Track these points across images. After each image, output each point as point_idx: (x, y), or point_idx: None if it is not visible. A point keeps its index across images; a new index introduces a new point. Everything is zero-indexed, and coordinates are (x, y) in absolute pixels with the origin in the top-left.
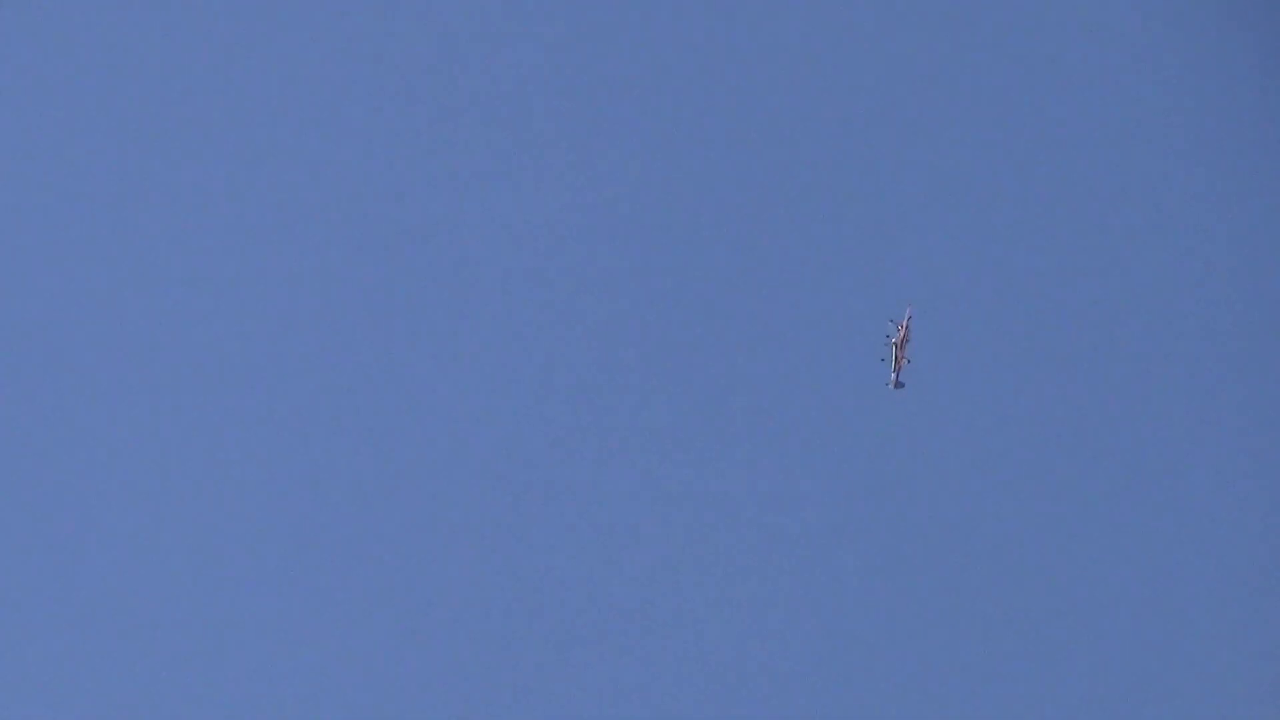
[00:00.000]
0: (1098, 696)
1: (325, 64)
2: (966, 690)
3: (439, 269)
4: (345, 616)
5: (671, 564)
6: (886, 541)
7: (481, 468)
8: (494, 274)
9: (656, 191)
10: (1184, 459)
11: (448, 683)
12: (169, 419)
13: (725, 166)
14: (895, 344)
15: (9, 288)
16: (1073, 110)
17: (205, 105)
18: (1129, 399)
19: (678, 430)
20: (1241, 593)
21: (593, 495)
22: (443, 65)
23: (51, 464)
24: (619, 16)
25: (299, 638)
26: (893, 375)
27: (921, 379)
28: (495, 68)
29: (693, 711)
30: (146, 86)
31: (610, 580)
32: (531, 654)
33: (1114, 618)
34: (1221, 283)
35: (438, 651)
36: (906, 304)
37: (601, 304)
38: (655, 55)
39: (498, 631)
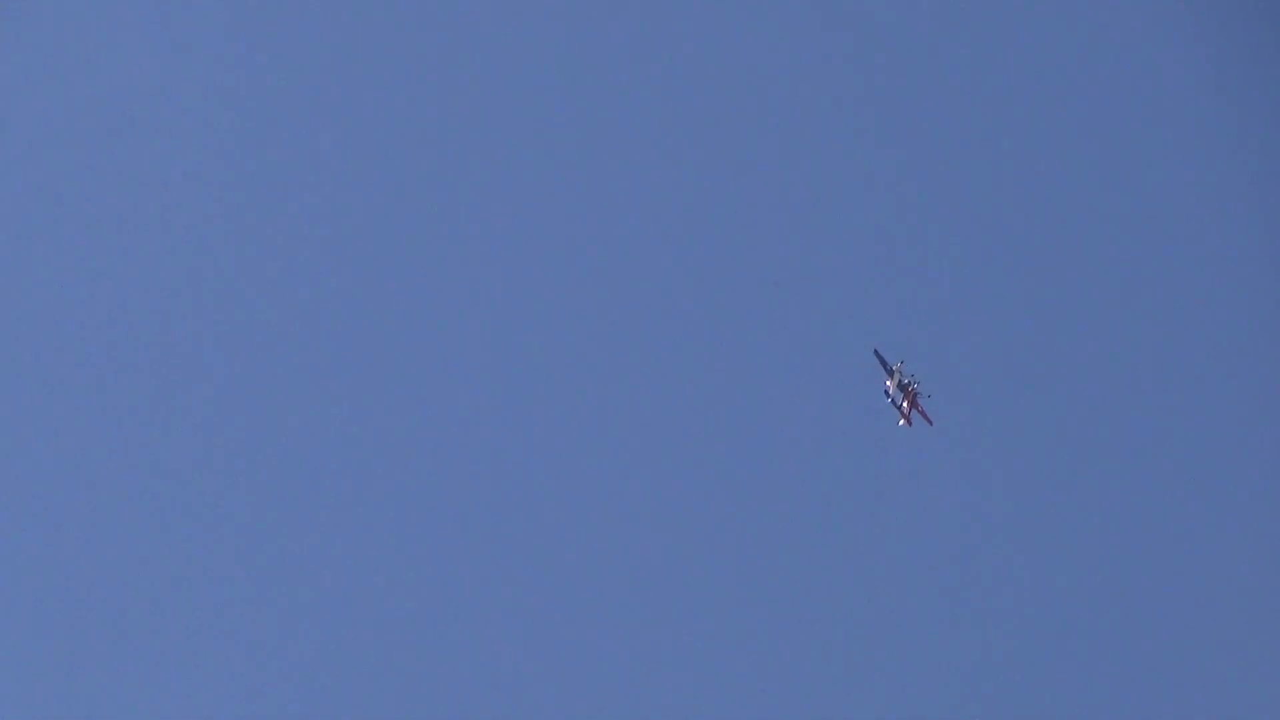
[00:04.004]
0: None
1: (325, 64)
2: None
3: (431, 268)
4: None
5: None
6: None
7: (479, 468)
8: (489, 273)
9: (652, 195)
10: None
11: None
12: (168, 416)
13: (723, 168)
14: (899, 389)
15: (9, 287)
16: (1074, 119)
17: (209, 106)
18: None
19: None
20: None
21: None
22: (441, 65)
23: (41, 462)
24: (620, 17)
25: (290, 632)
26: (902, 418)
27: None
28: (494, 68)
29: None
30: (147, 87)
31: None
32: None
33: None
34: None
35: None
36: (898, 360)
37: (597, 305)
38: (654, 57)
39: (499, 634)
